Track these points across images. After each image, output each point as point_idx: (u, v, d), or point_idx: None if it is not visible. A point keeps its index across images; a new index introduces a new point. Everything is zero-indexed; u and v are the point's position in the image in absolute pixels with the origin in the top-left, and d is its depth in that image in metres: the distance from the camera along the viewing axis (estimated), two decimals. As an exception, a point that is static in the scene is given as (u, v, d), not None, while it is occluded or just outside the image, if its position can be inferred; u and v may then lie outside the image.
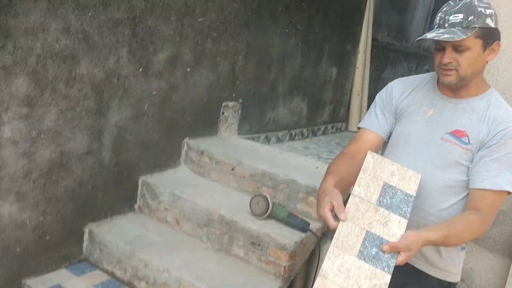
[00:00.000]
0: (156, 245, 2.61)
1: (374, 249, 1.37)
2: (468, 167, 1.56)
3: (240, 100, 3.50)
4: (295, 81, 4.09)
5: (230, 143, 3.35)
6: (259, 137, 3.83)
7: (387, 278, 1.32)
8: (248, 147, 3.35)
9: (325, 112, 4.76)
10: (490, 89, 1.63)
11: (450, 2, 1.54)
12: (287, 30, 3.76)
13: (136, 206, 2.95)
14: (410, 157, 1.63)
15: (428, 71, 4.35)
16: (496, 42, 1.54)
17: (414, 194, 1.51)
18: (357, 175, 1.54)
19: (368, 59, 5.22)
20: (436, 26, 1.53)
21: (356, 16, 4.74)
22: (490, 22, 1.49)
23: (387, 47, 6.14)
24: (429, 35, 1.50)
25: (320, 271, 1.33)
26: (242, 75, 3.45)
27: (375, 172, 1.54)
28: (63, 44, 2.25)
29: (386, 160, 1.58)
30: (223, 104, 3.36)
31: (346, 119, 5.20)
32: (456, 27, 1.47)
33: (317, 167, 3.03)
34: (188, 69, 2.98)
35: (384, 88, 1.78)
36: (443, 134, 1.59)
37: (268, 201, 2.57)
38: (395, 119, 1.73)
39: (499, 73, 2.38)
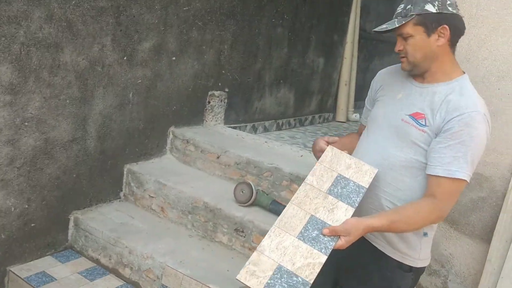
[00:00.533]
0: (141, 233, 2.64)
1: (315, 232, 1.45)
2: (426, 150, 1.58)
3: (226, 90, 3.52)
4: (282, 71, 4.11)
5: (216, 132, 3.37)
6: (246, 126, 3.86)
7: (323, 258, 1.41)
8: (234, 136, 3.37)
9: (313, 102, 4.79)
10: (460, 77, 1.63)
11: None
12: (273, 20, 3.78)
13: (121, 194, 2.97)
14: (375, 136, 1.71)
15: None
16: (442, 26, 1.54)
17: (367, 186, 1.58)
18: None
19: (356, 49, 5.25)
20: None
21: (344, 6, 4.76)
22: (430, 8, 1.53)
23: (375, 37, 6.16)
24: (377, 28, 1.61)
25: (258, 247, 1.44)
26: (228, 65, 3.47)
27: (331, 164, 1.64)
28: (46, 32, 2.26)
29: (344, 154, 1.67)
30: (209, 93, 3.38)
31: (333, 109, 5.24)
32: (398, 17, 1.56)
33: (301, 156, 3.07)
34: (173, 58, 2.99)
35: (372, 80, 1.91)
36: (404, 115, 1.63)
37: (252, 188, 2.61)
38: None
39: (478, 62, 2.41)
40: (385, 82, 1.80)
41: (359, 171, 1.63)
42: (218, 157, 2.99)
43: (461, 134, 1.50)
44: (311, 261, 1.41)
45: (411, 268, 1.70)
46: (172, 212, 2.78)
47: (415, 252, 1.69)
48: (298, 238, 1.45)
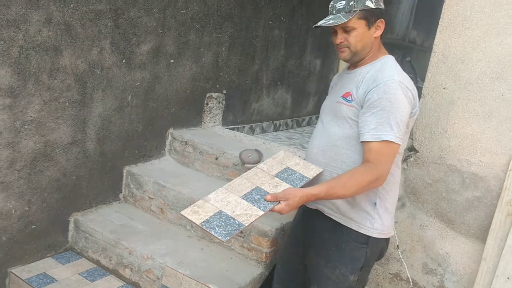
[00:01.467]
0: (141, 234, 2.66)
1: (258, 196, 1.66)
2: (357, 122, 1.75)
3: (224, 91, 3.55)
4: (279, 72, 4.14)
5: (214, 134, 3.40)
6: (244, 127, 3.88)
7: (260, 212, 1.59)
8: (232, 137, 3.40)
9: (310, 103, 4.82)
10: (383, 57, 1.82)
11: None
12: (270, 22, 3.81)
13: (121, 196, 3.00)
14: (321, 122, 1.95)
15: (410, 62, 4.42)
16: (380, 20, 1.77)
17: (310, 178, 1.78)
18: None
19: (352, 50, 5.28)
20: (329, 13, 1.78)
21: (339, 8, 4.78)
22: (370, 4, 1.73)
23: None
24: (319, 23, 1.77)
25: (204, 197, 1.65)
26: (226, 67, 3.49)
27: (283, 160, 1.89)
28: (45, 35, 2.28)
29: (296, 157, 1.91)
30: (207, 95, 3.41)
31: (330, 110, 5.26)
32: (341, 13, 1.73)
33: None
34: (172, 60, 3.02)
35: None
36: (338, 98, 1.84)
37: (259, 152, 2.58)
38: None
39: (473, 63, 2.45)
40: (333, 83, 2.06)
41: (306, 168, 1.83)
42: (216, 158, 3.02)
43: (380, 101, 1.67)
44: (249, 213, 1.60)
45: (367, 240, 1.82)
46: (171, 213, 2.81)
47: (369, 222, 1.82)
48: (242, 198, 1.66)
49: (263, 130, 4.17)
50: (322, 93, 4.97)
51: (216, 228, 1.53)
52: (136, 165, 3.01)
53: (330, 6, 1.80)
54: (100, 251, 2.64)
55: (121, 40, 2.65)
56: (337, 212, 1.85)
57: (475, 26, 2.43)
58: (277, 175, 1.80)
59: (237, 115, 3.78)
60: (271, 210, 1.62)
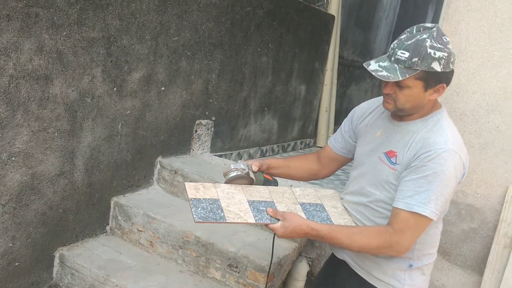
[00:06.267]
0: (130, 269, 2.54)
1: (263, 208, 1.63)
2: None
3: (213, 118, 3.49)
4: (266, 98, 4.12)
5: (203, 161, 3.32)
6: (231, 154, 3.82)
7: (251, 220, 1.58)
8: (222, 165, 3.33)
9: (295, 128, 4.81)
10: (435, 112, 1.60)
11: (408, 31, 1.53)
12: (259, 49, 3.79)
13: (108, 228, 2.87)
14: (358, 174, 1.74)
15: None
16: (441, 84, 1.52)
17: (334, 223, 1.68)
18: (297, 172, 1.95)
19: (336, 76, 5.34)
20: (387, 54, 1.54)
21: (324, 35, 4.83)
22: (436, 66, 1.47)
23: (352, 64, 6.29)
24: (371, 67, 1.52)
25: (216, 183, 1.70)
26: (215, 93, 3.45)
27: (323, 197, 1.81)
28: (36, 64, 2.18)
29: (340, 201, 1.80)
30: (197, 122, 3.34)
31: (314, 134, 5.28)
32: (400, 64, 1.48)
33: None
34: (163, 88, 2.95)
35: (351, 112, 1.91)
36: (380, 153, 1.64)
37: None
38: (356, 139, 1.85)
39: (468, 95, 2.47)
40: (366, 117, 1.80)
41: (339, 216, 1.72)
42: (207, 189, 2.94)
43: (425, 169, 1.48)
44: (241, 215, 1.58)
45: None
46: (162, 247, 2.70)
47: (398, 283, 1.66)
48: (248, 201, 1.64)
49: (250, 156, 4.11)
50: (306, 118, 4.98)
51: (199, 209, 1.55)
52: (124, 196, 2.90)
53: (392, 46, 1.53)
54: (87, 288, 2.50)
55: (112, 68, 2.57)
56: (363, 267, 1.70)
57: (470, 59, 2.46)
58: (302, 204, 1.71)
59: (225, 142, 3.72)
60: (266, 225, 1.58)
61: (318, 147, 5.29)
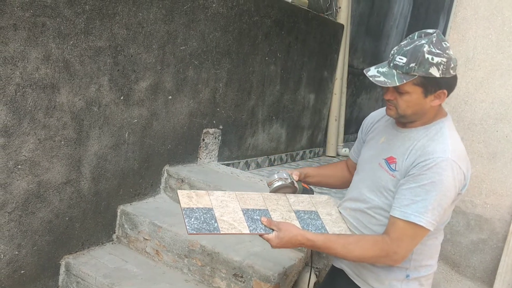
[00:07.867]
0: (136, 278, 2.54)
1: (257, 217, 1.61)
2: None
3: (221, 127, 3.49)
4: (275, 107, 4.12)
5: (210, 170, 3.32)
6: (239, 163, 3.82)
7: (246, 230, 1.56)
8: (229, 174, 3.32)
9: (304, 137, 4.79)
10: (439, 120, 1.58)
11: (409, 37, 1.52)
12: (267, 58, 3.80)
13: (114, 236, 2.88)
14: (359, 179, 1.74)
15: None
16: (442, 90, 1.50)
17: (329, 232, 1.66)
18: (333, 181, 1.97)
19: (345, 85, 5.31)
20: (387, 61, 1.54)
21: (333, 44, 4.83)
22: (434, 72, 1.45)
23: (362, 73, 6.25)
24: (370, 72, 1.52)
25: (210, 191, 1.68)
26: (223, 102, 3.45)
27: (317, 204, 1.78)
28: (43, 72, 2.21)
29: (334, 208, 1.80)
30: (204, 130, 3.34)
31: (323, 144, 5.25)
32: (397, 70, 1.47)
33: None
34: (170, 97, 2.96)
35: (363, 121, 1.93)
36: (380, 159, 1.64)
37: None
38: None
39: (476, 104, 2.44)
40: (374, 125, 1.81)
41: (334, 223, 1.71)
42: (214, 197, 2.93)
43: (422, 178, 1.46)
44: (235, 225, 1.56)
45: None
46: (168, 256, 2.70)
47: None
48: (242, 209, 1.62)
49: (258, 165, 4.10)
50: (315, 127, 4.96)
51: (193, 220, 1.54)
52: (130, 204, 2.91)
53: (391, 53, 1.54)
54: (92, 296, 2.50)
55: (119, 77, 2.58)
56: (360, 277, 1.68)
57: (478, 67, 2.43)
58: (297, 212, 1.69)
59: (233, 151, 3.72)
60: (260, 235, 1.57)
61: (327, 156, 5.27)
